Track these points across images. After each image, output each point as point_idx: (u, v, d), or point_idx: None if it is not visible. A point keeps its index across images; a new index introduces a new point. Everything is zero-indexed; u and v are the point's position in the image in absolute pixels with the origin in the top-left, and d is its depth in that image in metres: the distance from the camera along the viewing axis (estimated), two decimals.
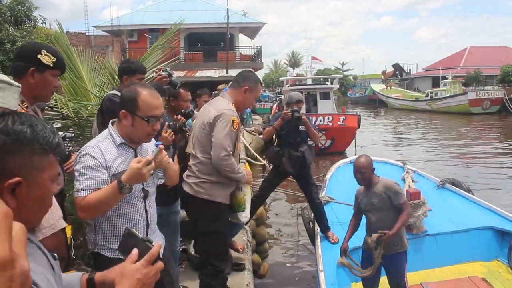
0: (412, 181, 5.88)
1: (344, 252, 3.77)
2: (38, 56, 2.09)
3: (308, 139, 5.03)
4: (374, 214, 3.54)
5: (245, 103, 3.17)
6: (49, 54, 2.13)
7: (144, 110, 2.02)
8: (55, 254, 1.10)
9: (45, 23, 12.06)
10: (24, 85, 2.06)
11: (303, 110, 17.82)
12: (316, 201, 4.96)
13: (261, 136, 7.73)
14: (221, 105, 3.04)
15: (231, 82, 3.38)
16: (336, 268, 4.08)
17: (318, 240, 4.75)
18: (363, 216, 3.75)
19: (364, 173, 3.50)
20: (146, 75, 5.95)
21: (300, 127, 4.82)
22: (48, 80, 2.15)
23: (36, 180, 0.98)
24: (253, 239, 5.47)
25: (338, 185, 6.18)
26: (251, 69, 3.40)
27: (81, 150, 2.04)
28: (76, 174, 1.98)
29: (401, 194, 3.51)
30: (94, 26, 27.83)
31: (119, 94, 3.05)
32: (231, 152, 2.91)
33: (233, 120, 2.93)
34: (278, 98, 29.51)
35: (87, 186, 1.94)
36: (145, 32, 25.73)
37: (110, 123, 2.13)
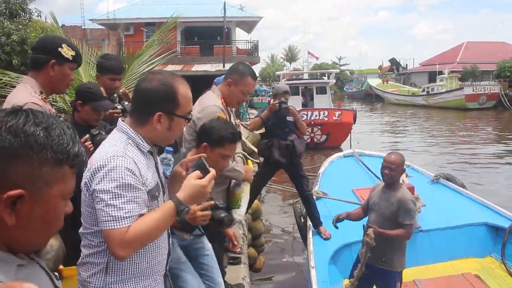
0: (406, 176, 5.89)
1: (337, 220, 3.55)
2: (59, 49, 2.15)
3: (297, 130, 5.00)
4: (375, 216, 3.42)
5: (230, 97, 2.98)
6: (69, 48, 2.19)
7: (184, 106, 1.60)
8: (57, 274, 0.99)
9: (40, 16, 11.98)
10: (42, 77, 2.16)
11: (299, 105, 17.65)
12: (306, 193, 4.89)
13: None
14: (206, 100, 2.94)
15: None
16: (327, 265, 4.03)
17: (310, 235, 4.68)
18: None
19: (393, 170, 3.28)
20: (143, 70, 5.93)
21: (287, 117, 4.82)
22: (67, 73, 2.22)
23: (42, 196, 0.83)
24: (249, 233, 5.47)
25: (331, 179, 6.17)
26: (246, 62, 3.31)
27: (105, 161, 1.45)
28: (105, 196, 1.41)
29: (411, 215, 3.29)
30: (90, 20, 27.62)
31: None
32: None
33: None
34: None
35: (128, 212, 1.41)
36: (142, 26, 25.56)
37: (120, 121, 1.65)
